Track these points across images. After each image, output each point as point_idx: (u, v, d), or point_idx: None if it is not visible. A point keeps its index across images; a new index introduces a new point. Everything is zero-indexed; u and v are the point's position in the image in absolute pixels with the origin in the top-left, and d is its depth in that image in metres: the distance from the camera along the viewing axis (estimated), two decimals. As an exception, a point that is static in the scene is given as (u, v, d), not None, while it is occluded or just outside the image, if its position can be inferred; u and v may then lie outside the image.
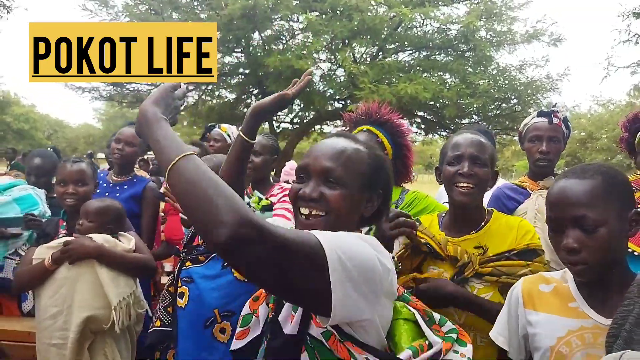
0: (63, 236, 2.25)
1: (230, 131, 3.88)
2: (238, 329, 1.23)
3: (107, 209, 2.23)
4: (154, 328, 1.80)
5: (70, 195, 2.28)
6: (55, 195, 3.10)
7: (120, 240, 2.21)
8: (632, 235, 1.18)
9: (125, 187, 3.00)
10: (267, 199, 2.49)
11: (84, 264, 2.06)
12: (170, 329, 1.77)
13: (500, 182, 2.65)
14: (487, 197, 1.84)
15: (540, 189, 2.20)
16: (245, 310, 1.24)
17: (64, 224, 2.35)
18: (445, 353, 1.05)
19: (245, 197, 2.54)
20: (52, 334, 2.03)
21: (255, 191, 2.57)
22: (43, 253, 2.13)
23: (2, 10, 10.06)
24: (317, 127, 13.42)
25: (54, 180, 3.21)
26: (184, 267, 1.82)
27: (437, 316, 1.13)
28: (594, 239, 1.12)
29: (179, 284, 1.80)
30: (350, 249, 0.93)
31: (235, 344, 1.23)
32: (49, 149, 3.53)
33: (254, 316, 1.22)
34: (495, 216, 1.71)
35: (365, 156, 1.16)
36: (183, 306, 1.76)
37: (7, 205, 2.80)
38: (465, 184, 1.60)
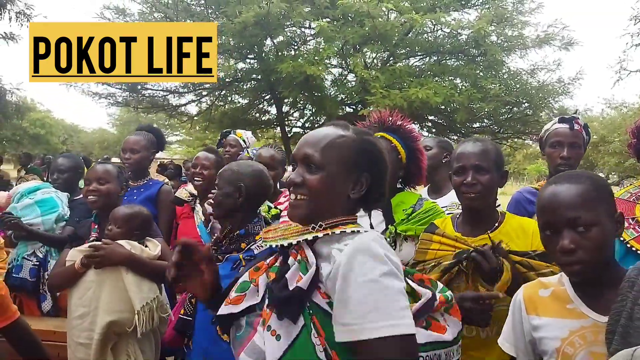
0: (93, 239, 2.33)
1: (245, 136, 3.95)
2: (233, 294, 1.28)
3: (135, 215, 2.31)
4: (180, 316, 1.96)
5: (91, 192, 2.36)
6: (77, 197, 3.25)
7: (146, 246, 2.29)
8: (619, 235, 1.27)
9: (142, 190, 3.12)
10: (275, 207, 2.60)
11: (110, 268, 2.15)
12: (191, 318, 1.90)
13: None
14: (505, 199, 1.92)
15: None
16: (244, 277, 1.31)
17: (96, 227, 2.42)
18: (440, 305, 1.26)
19: None
20: (79, 334, 2.14)
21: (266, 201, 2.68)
22: (75, 255, 2.22)
23: (22, 19, 10.33)
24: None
25: (80, 184, 3.34)
26: None
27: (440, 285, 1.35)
28: (589, 238, 1.19)
29: None
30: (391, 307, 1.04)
31: (228, 309, 1.28)
32: (80, 157, 3.68)
33: (252, 284, 1.28)
34: (508, 217, 1.81)
35: (349, 140, 1.23)
36: None
37: (29, 207, 2.94)
38: (470, 193, 1.72)
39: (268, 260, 1.29)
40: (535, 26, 10.87)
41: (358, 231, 1.17)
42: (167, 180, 6.99)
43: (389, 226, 1.97)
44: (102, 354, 2.08)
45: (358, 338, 1.02)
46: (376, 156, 1.27)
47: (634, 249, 1.73)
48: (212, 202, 2.01)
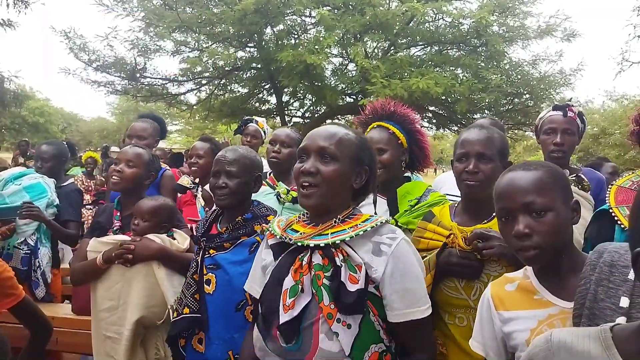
0: (117, 229, 2.26)
1: (265, 127, 3.94)
2: (289, 300, 1.35)
3: (162, 207, 2.23)
4: (183, 315, 1.83)
5: (116, 173, 2.28)
6: (63, 184, 3.23)
7: (175, 238, 2.21)
8: (575, 222, 1.27)
9: None
10: (292, 189, 2.57)
11: (140, 263, 2.08)
12: (199, 314, 1.81)
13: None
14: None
15: None
16: (290, 282, 1.37)
17: (118, 214, 2.33)
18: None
19: (267, 187, 2.63)
20: (107, 327, 2.09)
21: (280, 182, 2.65)
22: (97, 247, 2.14)
23: (20, 5, 10.22)
24: (329, 121, 13.45)
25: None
26: (207, 255, 1.86)
27: None
28: (543, 223, 1.21)
29: (205, 272, 1.84)
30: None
31: (290, 314, 1.34)
32: (63, 142, 3.61)
33: (299, 286, 1.35)
34: None
35: (353, 138, 1.45)
36: (211, 292, 1.81)
37: (18, 193, 2.90)
38: (471, 181, 1.69)
39: (305, 259, 1.38)
40: (537, 16, 10.78)
41: (386, 221, 1.41)
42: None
43: (391, 218, 1.94)
44: (132, 348, 2.04)
45: (410, 319, 1.34)
46: (372, 153, 1.51)
47: (620, 224, 1.73)
48: (226, 189, 1.90)
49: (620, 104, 21.83)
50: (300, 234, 1.43)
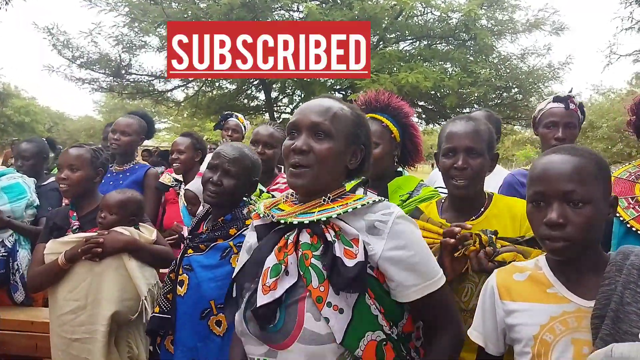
0: (76, 228, 2.19)
1: (245, 122, 3.87)
2: (269, 280, 1.19)
3: (129, 200, 2.17)
4: (153, 314, 1.78)
5: (62, 181, 2.18)
6: (44, 183, 3.11)
7: (141, 232, 2.17)
8: (610, 219, 1.19)
9: (128, 174, 3.04)
10: (268, 191, 2.48)
11: (110, 257, 2.03)
12: (169, 316, 1.74)
13: (499, 170, 2.63)
14: (496, 182, 1.81)
15: None
16: (272, 260, 1.22)
17: (74, 214, 2.25)
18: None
19: None
20: (74, 329, 2.00)
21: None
22: (57, 248, 2.06)
23: (1, 2, 9.98)
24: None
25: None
26: (186, 255, 1.79)
27: None
28: (580, 215, 1.10)
29: (180, 272, 1.76)
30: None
31: (270, 296, 1.18)
32: (43, 139, 3.48)
33: (282, 265, 1.20)
34: (495, 200, 1.68)
35: (348, 113, 1.30)
36: (182, 295, 1.72)
37: None
38: (460, 179, 1.58)
39: (291, 238, 1.24)
40: (526, 10, 10.83)
41: (380, 200, 1.27)
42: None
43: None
44: (107, 346, 1.98)
45: (427, 293, 1.22)
46: (368, 130, 1.36)
47: (634, 229, 1.67)
48: (220, 188, 1.79)
49: (607, 97, 22.08)
50: (285, 212, 1.29)
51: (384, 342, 1.20)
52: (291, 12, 11.05)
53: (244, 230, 1.75)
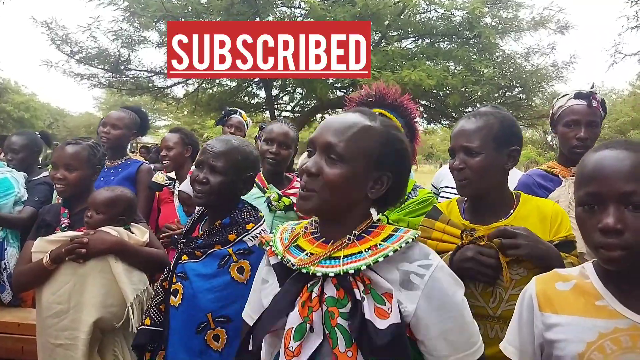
0: (66, 226, 2.08)
1: (248, 120, 3.82)
2: (293, 344, 1.05)
3: (118, 199, 2.05)
4: (143, 326, 1.62)
5: (58, 181, 2.08)
6: (35, 177, 3.00)
7: (132, 232, 2.05)
8: None
9: (120, 169, 2.95)
10: (285, 194, 2.36)
11: (95, 258, 1.90)
12: (161, 329, 1.59)
13: (512, 171, 2.54)
14: (511, 182, 1.71)
15: (574, 176, 2.07)
16: (296, 319, 1.07)
17: (66, 211, 2.15)
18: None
19: (257, 190, 2.39)
20: (57, 334, 1.89)
21: (271, 185, 2.41)
22: (43, 247, 1.95)
23: (-3, -4, 9.87)
24: (319, 115, 13.27)
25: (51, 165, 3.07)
26: (180, 262, 1.63)
27: None
28: None
29: (174, 280, 1.61)
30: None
31: None
32: (36, 133, 3.38)
33: (307, 324, 1.06)
34: (523, 200, 1.59)
35: (376, 134, 1.12)
36: (176, 305, 1.57)
37: None
38: (460, 179, 1.53)
39: (315, 290, 1.08)
40: (531, 8, 10.70)
41: (413, 240, 1.10)
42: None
43: (380, 215, 1.78)
44: (90, 354, 1.85)
45: None
46: (402, 155, 1.16)
47: None
48: (207, 186, 1.65)
49: (609, 98, 22.02)
50: (306, 254, 1.13)
51: None
52: (293, 9, 10.93)
53: (245, 236, 1.61)
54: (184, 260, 1.63)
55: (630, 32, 11.82)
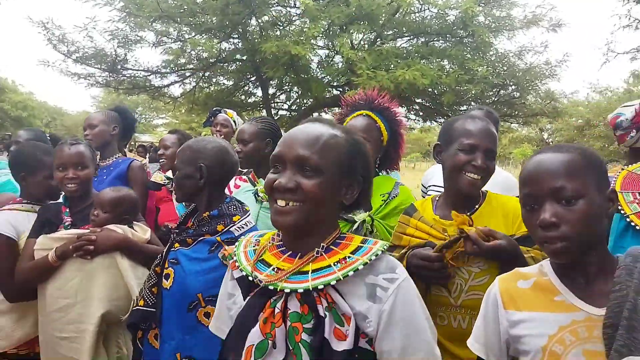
0: (69, 224, 2.16)
1: (235, 117, 3.85)
2: None
3: (123, 199, 2.15)
4: (137, 307, 1.75)
5: (70, 180, 2.15)
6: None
7: (135, 231, 2.15)
8: (611, 214, 1.15)
9: (112, 168, 2.98)
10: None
11: (101, 255, 2.00)
12: (154, 309, 1.72)
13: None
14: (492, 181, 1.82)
15: None
16: (257, 336, 1.08)
17: (67, 210, 2.23)
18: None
19: (248, 184, 2.51)
20: (62, 327, 1.97)
21: (261, 179, 2.53)
22: (46, 244, 2.03)
23: (-5, -4, 9.90)
24: (315, 114, 13.35)
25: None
26: (172, 249, 1.78)
27: None
28: (574, 211, 1.05)
29: (166, 265, 1.75)
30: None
31: None
32: (47, 134, 3.47)
33: (268, 341, 1.07)
34: (488, 198, 1.70)
35: (342, 141, 1.14)
36: (168, 288, 1.71)
37: None
38: (475, 176, 1.58)
39: (278, 305, 1.09)
40: (523, 7, 10.78)
41: (382, 252, 1.11)
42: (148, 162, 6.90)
43: (366, 215, 1.88)
44: (95, 346, 1.95)
45: None
46: (367, 159, 1.20)
47: (633, 224, 1.63)
48: (176, 184, 1.86)
49: (604, 96, 22.10)
50: (272, 269, 1.13)
51: None
52: (288, 8, 10.99)
53: (231, 227, 1.75)
54: (176, 247, 1.77)
55: (622, 30, 11.91)
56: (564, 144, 1.22)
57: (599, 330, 1.02)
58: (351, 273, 1.07)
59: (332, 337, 1.04)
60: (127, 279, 1.98)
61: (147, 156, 8.52)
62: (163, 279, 1.74)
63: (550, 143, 27.78)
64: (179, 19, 9.92)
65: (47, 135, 3.42)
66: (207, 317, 1.65)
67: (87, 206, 2.20)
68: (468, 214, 1.62)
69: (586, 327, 1.06)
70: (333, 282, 1.06)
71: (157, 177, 3.23)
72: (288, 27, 10.86)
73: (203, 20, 10.00)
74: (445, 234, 1.57)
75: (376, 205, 1.96)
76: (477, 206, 1.66)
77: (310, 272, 1.09)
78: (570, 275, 1.13)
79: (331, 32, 10.36)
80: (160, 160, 3.22)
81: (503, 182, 2.26)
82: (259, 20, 10.28)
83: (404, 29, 10.85)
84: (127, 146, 3.91)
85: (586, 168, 1.10)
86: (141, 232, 2.16)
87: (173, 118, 25.15)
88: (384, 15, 9.96)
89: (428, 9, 10.68)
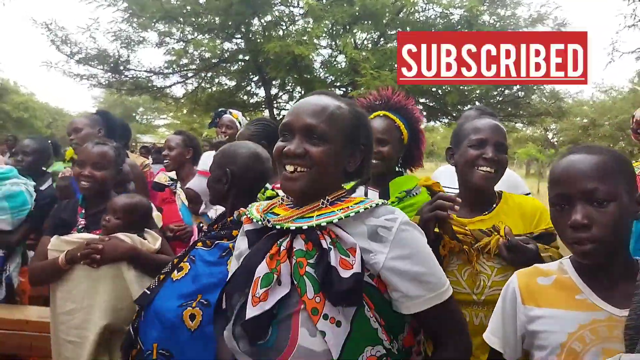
0: (82, 227, 2.14)
1: (240, 118, 3.84)
2: (260, 290, 1.11)
3: (136, 206, 2.11)
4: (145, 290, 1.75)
5: (85, 178, 2.12)
6: (42, 187, 3.06)
7: (145, 239, 2.10)
8: (638, 218, 1.13)
9: None
10: (273, 188, 2.43)
11: (108, 264, 1.96)
12: (149, 292, 1.70)
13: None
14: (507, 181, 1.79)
15: None
16: (263, 269, 1.14)
17: (83, 211, 2.19)
18: None
19: None
20: (68, 331, 1.95)
21: None
22: (60, 245, 2.01)
23: (-3, -3, 9.90)
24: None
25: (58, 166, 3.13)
26: (196, 247, 1.77)
27: None
28: (605, 214, 1.06)
29: (185, 260, 1.74)
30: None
31: (260, 307, 1.10)
32: (49, 141, 3.49)
33: (274, 275, 1.12)
34: (505, 197, 1.70)
35: (346, 112, 1.23)
36: (174, 279, 1.69)
37: None
38: (487, 169, 1.60)
39: (284, 244, 1.16)
40: (528, 6, 10.75)
41: (383, 203, 1.19)
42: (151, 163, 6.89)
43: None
44: (96, 353, 1.91)
45: (435, 303, 1.14)
46: (369, 129, 1.29)
47: None
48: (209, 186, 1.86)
49: (609, 95, 22.04)
50: (281, 217, 1.22)
51: (384, 358, 1.13)
52: (291, 8, 10.97)
53: None
54: (199, 246, 1.76)
55: (627, 29, 11.84)
56: (595, 145, 1.24)
57: (619, 330, 1.04)
58: (352, 214, 1.15)
59: (339, 266, 1.10)
60: (133, 290, 1.94)
61: (150, 157, 8.51)
62: (175, 270, 1.71)
63: (555, 143, 27.74)
64: (182, 19, 9.91)
65: (49, 141, 3.45)
66: (191, 319, 1.60)
67: (103, 209, 2.15)
68: (485, 213, 1.63)
69: (607, 326, 1.08)
70: (335, 220, 1.15)
71: (161, 177, 3.22)
72: (291, 27, 10.84)
73: (206, 20, 9.99)
74: (466, 227, 1.55)
75: (390, 201, 1.93)
76: (494, 205, 1.67)
77: (315, 216, 1.18)
78: (593, 275, 1.14)
79: (334, 32, 10.33)
80: (165, 161, 3.17)
81: (507, 180, 2.27)
82: (262, 20, 10.27)
83: (407, 28, 10.81)
84: (129, 147, 3.89)
85: (619, 171, 1.11)
86: (152, 240, 2.11)
87: (174, 119, 25.16)
88: (387, 14, 9.94)
89: (432, 8, 10.66)
